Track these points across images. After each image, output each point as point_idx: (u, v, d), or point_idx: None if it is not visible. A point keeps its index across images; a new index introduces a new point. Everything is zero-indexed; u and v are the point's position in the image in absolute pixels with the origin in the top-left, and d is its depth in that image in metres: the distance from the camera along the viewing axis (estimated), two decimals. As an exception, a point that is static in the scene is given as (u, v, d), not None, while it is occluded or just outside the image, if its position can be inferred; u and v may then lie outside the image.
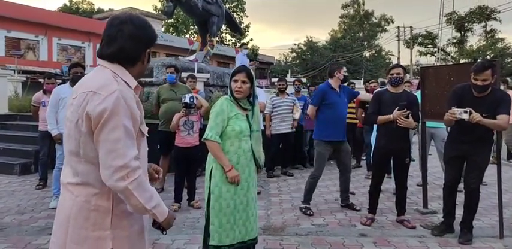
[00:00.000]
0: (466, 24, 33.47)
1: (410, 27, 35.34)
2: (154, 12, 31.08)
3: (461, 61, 29.93)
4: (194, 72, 7.17)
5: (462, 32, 34.30)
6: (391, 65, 4.49)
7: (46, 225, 3.70)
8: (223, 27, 15.91)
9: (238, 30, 12.65)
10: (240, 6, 33.48)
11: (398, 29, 35.52)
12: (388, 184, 5.04)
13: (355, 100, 5.78)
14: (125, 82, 1.42)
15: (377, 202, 3.97)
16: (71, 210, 1.38)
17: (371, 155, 4.50)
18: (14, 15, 19.78)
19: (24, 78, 12.45)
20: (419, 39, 35.53)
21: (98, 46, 1.54)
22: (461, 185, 3.60)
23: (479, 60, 3.50)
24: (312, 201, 4.70)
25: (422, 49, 36.29)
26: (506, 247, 3.32)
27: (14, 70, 13.68)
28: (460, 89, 3.39)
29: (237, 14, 32.37)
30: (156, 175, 1.66)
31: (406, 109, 3.61)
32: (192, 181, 4.43)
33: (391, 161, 3.95)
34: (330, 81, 4.26)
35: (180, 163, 4.32)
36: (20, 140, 6.88)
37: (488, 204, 4.53)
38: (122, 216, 1.40)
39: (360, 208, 4.32)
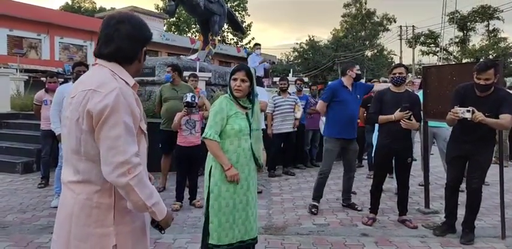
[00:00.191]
0: (469, 23, 33.36)
1: (413, 26, 35.26)
2: (156, 11, 31.12)
3: (464, 61, 29.85)
4: (196, 71, 7.17)
5: (464, 31, 34.20)
6: (393, 65, 4.48)
7: (48, 223, 3.71)
8: (225, 26, 15.92)
9: (240, 29, 12.63)
10: (242, 5, 33.48)
11: (401, 28, 35.42)
12: (390, 183, 5.03)
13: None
14: (124, 80, 1.44)
15: (379, 201, 3.96)
16: (73, 209, 1.39)
17: (372, 154, 4.50)
18: (17, 13, 19.82)
19: (27, 77, 12.46)
20: (422, 39, 35.45)
21: (99, 45, 1.55)
22: (463, 185, 3.59)
23: (481, 60, 3.49)
24: (314, 200, 4.71)
25: (425, 48, 36.22)
26: (508, 247, 3.31)
27: (16, 69, 13.69)
28: (462, 88, 3.38)
29: (239, 13, 32.36)
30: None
31: (408, 111, 3.61)
32: (193, 180, 4.44)
33: (393, 161, 3.95)
34: (342, 79, 4.28)
35: (181, 162, 4.32)
36: (22, 139, 6.90)
37: (490, 204, 4.52)
38: (124, 212, 1.41)
39: (362, 208, 4.32)
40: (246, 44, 34.68)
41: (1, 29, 20.07)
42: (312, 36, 35.31)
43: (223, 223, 2.49)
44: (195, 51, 9.55)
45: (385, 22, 37.96)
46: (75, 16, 25.33)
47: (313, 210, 4.22)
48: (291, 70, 16.86)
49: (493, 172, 4.04)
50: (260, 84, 8.97)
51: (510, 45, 31.18)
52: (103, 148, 1.32)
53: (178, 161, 4.39)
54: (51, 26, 21.75)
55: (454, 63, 28.16)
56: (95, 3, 39.18)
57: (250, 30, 33.41)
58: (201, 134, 2.70)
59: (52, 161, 5.16)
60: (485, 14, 32.05)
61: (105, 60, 1.45)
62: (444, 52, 33.71)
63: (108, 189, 1.39)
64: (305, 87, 8.23)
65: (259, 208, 4.25)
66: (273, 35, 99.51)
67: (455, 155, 3.50)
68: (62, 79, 10.74)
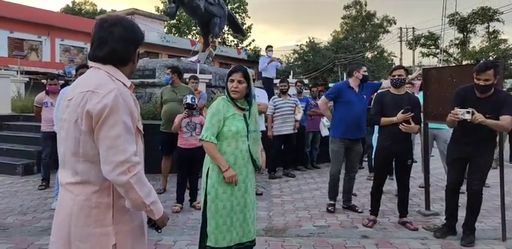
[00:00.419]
0: (469, 25, 33.36)
1: (413, 28, 35.27)
2: (157, 13, 31.17)
3: (464, 63, 29.86)
4: (196, 73, 7.18)
5: (465, 33, 34.20)
6: (393, 66, 4.49)
7: (48, 225, 3.70)
8: (226, 28, 15.94)
9: (240, 31, 12.67)
10: (242, 7, 33.50)
11: (401, 30, 35.45)
12: (390, 185, 5.03)
13: None
14: (120, 81, 1.46)
15: (379, 203, 3.96)
16: (72, 209, 1.40)
17: (373, 156, 4.51)
18: (17, 16, 19.88)
19: (27, 79, 12.51)
20: (422, 40, 35.43)
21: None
22: (463, 187, 3.59)
23: (481, 61, 3.50)
24: (313, 202, 4.72)
25: (425, 50, 36.19)
26: (509, 249, 3.31)
27: (17, 71, 13.75)
28: (463, 90, 3.39)
29: (239, 15, 32.40)
30: None
31: (409, 113, 3.61)
32: (194, 182, 4.44)
33: (393, 162, 3.95)
34: (349, 79, 4.30)
35: (182, 164, 4.32)
36: (22, 141, 6.91)
37: (491, 206, 4.51)
38: (123, 211, 1.43)
39: (362, 210, 4.32)
40: (247, 46, 34.73)
41: (2, 31, 20.13)
42: (312, 38, 35.18)
43: (221, 225, 2.48)
44: (195, 53, 9.58)
45: (385, 24, 37.97)
46: (76, 18, 25.39)
47: (329, 208, 4.33)
48: (291, 72, 16.86)
49: (493, 173, 4.04)
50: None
51: (510, 46, 31.14)
52: (103, 147, 1.34)
53: (178, 163, 4.39)
54: (51, 28, 21.81)
55: (454, 64, 28.22)
56: (96, 5, 39.37)
57: (250, 32, 33.44)
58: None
59: (52, 163, 5.16)
60: (486, 15, 32.06)
61: (100, 62, 1.47)
62: (444, 54, 33.71)
63: (107, 188, 1.40)
64: (305, 89, 8.24)
65: (259, 210, 4.27)
66: (273, 36, 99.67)
67: (456, 157, 3.50)
68: (63, 81, 10.77)
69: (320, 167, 7.01)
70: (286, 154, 6.29)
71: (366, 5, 37.64)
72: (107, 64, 1.47)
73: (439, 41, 33.87)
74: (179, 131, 4.31)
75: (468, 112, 3.07)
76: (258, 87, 5.96)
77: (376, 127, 4.43)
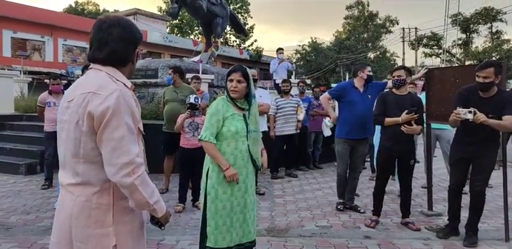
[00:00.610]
0: (472, 25, 33.28)
1: (415, 28, 35.23)
2: (159, 13, 31.20)
3: (467, 63, 29.78)
4: (199, 73, 7.18)
5: (467, 33, 34.11)
6: (393, 67, 4.49)
7: (51, 225, 3.68)
8: (228, 28, 15.95)
9: (242, 31, 12.66)
10: (244, 7, 33.53)
11: (403, 30, 35.40)
12: (393, 185, 5.02)
13: None
14: (121, 82, 1.46)
15: (381, 203, 3.96)
16: (72, 211, 1.40)
17: (375, 156, 4.51)
18: (20, 16, 19.94)
19: (30, 79, 12.54)
20: (424, 41, 35.38)
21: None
22: (466, 188, 3.58)
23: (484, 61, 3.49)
24: (316, 202, 4.72)
25: (427, 50, 36.14)
26: (512, 250, 3.30)
27: (20, 71, 13.78)
28: (466, 90, 3.39)
29: (242, 15, 32.43)
30: None
31: (414, 113, 3.60)
32: (196, 182, 4.43)
33: (396, 163, 3.94)
34: (354, 80, 4.32)
35: (184, 164, 4.33)
36: (25, 141, 6.93)
37: (494, 206, 4.50)
38: (123, 212, 1.43)
39: (365, 210, 4.31)
40: (249, 46, 34.73)
41: (5, 31, 20.20)
42: (315, 38, 35.21)
43: (220, 226, 2.48)
44: (197, 53, 9.58)
45: (387, 24, 37.91)
46: (79, 18, 25.45)
47: (338, 207, 4.38)
48: (293, 72, 16.84)
49: (496, 174, 4.03)
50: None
51: (513, 47, 31.09)
52: (106, 149, 1.35)
53: (181, 163, 4.40)
54: (54, 28, 21.86)
55: (457, 65, 28.14)
56: (98, 5, 39.40)
57: (252, 32, 33.45)
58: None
59: (55, 163, 5.13)
60: (489, 16, 31.98)
61: (100, 64, 1.47)
62: (447, 54, 33.63)
63: (107, 189, 1.41)
64: (308, 89, 8.23)
65: (261, 210, 4.28)
66: (275, 36, 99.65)
67: (459, 157, 3.50)
68: (66, 81, 10.80)
69: (322, 168, 7.01)
70: (288, 154, 6.28)
71: (368, 5, 37.61)
72: (107, 66, 1.47)
73: (441, 41, 33.80)
74: (181, 131, 4.31)
75: (470, 112, 3.07)
76: (260, 87, 5.96)
77: (378, 128, 4.42)
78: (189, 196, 4.44)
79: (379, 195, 3.94)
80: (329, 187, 5.48)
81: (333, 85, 7.11)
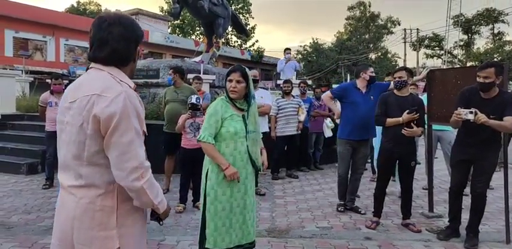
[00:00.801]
0: (473, 26, 33.28)
1: (417, 29, 35.26)
2: (161, 13, 31.24)
3: (468, 64, 29.79)
4: (200, 73, 7.19)
5: (469, 35, 34.11)
6: (395, 68, 4.48)
7: (52, 224, 3.71)
8: (229, 28, 15.96)
9: (244, 32, 12.67)
10: (245, 7, 33.52)
11: (405, 31, 35.42)
12: (393, 187, 5.01)
13: None
14: (125, 83, 1.43)
15: (382, 205, 3.95)
16: (75, 212, 1.38)
17: (375, 158, 4.51)
18: (22, 16, 19.98)
19: (32, 79, 12.56)
20: (426, 42, 35.41)
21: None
22: (467, 190, 3.58)
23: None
24: (316, 203, 4.71)
25: (429, 51, 36.16)
26: (513, 252, 3.29)
27: (22, 71, 13.80)
28: (467, 91, 3.39)
29: (243, 16, 32.40)
30: None
31: (415, 113, 3.60)
32: (197, 182, 4.43)
33: (397, 164, 3.94)
34: (356, 80, 4.33)
35: (185, 164, 4.33)
36: (27, 140, 6.94)
37: (495, 208, 4.49)
38: (126, 214, 1.43)
39: (365, 211, 4.31)
40: (250, 47, 34.73)
41: (7, 30, 20.24)
42: (316, 39, 35.23)
43: (220, 227, 2.47)
44: (199, 53, 9.59)
45: (389, 25, 37.92)
46: (81, 18, 25.47)
47: (339, 208, 4.37)
48: (295, 72, 16.82)
49: (497, 176, 4.03)
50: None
51: (515, 48, 31.04)
52: (114, 153, 1.33)
53: (182, 163, 4.40)
54: (56, 28, 21.90)
55: (458, 66, 28.11)
56: (100, 5, 39.43)
57: (254, 33, 33.45)
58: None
59: (56, 163, 5.17)
60: (490, 17, 31.97)
61: (101, 63, 1.44)
62: (449, 55, 33.61)
63: (111, 192, 1.40)
64: (309, 90, 8.24)
65: (262, 211, 4.28)
66: (277, 37, 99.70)
67: (460, 159, 3.49)
68: (67, 81, 10.79)
69: (323, 168, 7.00)
70: (289, 154, 6.28)
71: (370, 6, 37.62)
72: (109, 65, 1.44)
73: (443, 42, 33.80)
74: (183, 131, 4.31)
75: (471, 113, 3.06)
76: (261, 88, 5.97)
77: (378, 129, 4.42)
78: (190, 196, 4.44)
79: (379, 196, 3.94)
80: (330, 188, 5.48)
81: (334, 86, 7.12)
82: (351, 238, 3.55)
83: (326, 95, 4.60)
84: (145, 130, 1.52)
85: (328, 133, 6.71)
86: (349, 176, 4.44)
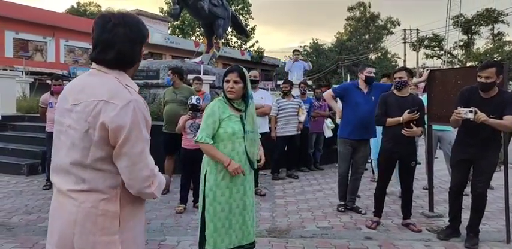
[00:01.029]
0: (473, 26, 33.32)
1: (417, 29, 35.28)
2: (161, 14, 31.26)
3: (468, 64, 29.81)
4: (200, 74, 7.20)
5: (469, 35, 34.14)
6: (395, 68, 4.49)
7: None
8: (229, 29, 15.98)
9: (244, 33, 12.69)
10: (245, 8, 33.55)
11: (405, 31, 35.44)
12: (394, 187, 5.02)
13: None
14: (131, 88, 1.39)
15: (382, 205, 3.96)
16: (76, 217, 1.34)
17: (373, 158, 4.52)
18: (22, 17, 20.01)
19: (32, 79, 12.57)
20: (426, 42, 35.45)
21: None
22: (467, 189, 3.58)
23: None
24: (316, 203, 4.72)
25: (429, 52, 36.20)
26: (513, 252, 3.30)
27: (22, 72, 13.84)
28: (467, 91, 3.40)
29: (243, 16, 32.43)
30: None
31: (416, 113, 3.61)
32: (197, 183, 4.41)
33: (397, 164, 3.94)
34: (358, 81, 4.37)
35: (186, 165, 4.33)
36: (27, 141, 6.95)
37: (495, 208, 4.50)
38: (128, 218, 1.41)
39: (365, 211, 4.31)
40: (250, 47, 34.75)
41: (7, 31, 20.27)
42: (316, 39, 35.26)
43: (219, 228, 2.47)
44: (199, 54, 9.60)
45: (389, 25, 37.97)
46: (81, 19, 25.49)
47: (339, 208, 4.38)
48: (302, 72, 16.83)
49: (497, 175, 4.02)
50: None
51: (515, 48, 31.05)
52: (125, 163, 1.33)
53: (182, 163, 4.40)
54: (56, 29, 21.93)
55: (458, 66, 28.12)
56: (100, 6, 39.43)
57: (254, 34, 33.48)
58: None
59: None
60: (490, 17, 32.00)
61: (105, 66, 1.39)
62: (448, 55, 33.63)
63: (114, 196, 1.37)
64: (309, 90, 8.25)
65: (262, 211, 4.28)
66: (277, 38, 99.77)
67: (460, 158, 3.50)
68: (67, 82, 10.80)
69: (323, 169, 7.00)
70: (289, 155, 6.29)
71: (369, 7, 37.65)
72: (113, 69, 1.39)
73: (443, 43, 33.84)
74: (183, 132, 4.32)
75: (471, 111, 3.07)
76: (261, 88, 5.97)
77: (378, 129, 4.42)
78: (190, 196, 4.44)
79: (380, 196, 3.94)
80: (330, 188, 5.48)
81: (334, 86, 7.14)
82: (352, 238, 3.55)
83: (327, 93, 4.63)
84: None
85: (328, 134, 6.72)
86: (349, 176, 4.44)
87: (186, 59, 9.32)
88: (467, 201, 3.59)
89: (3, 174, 6.12)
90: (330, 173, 6.59)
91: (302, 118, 6.08)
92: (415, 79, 4.53)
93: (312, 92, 8.03)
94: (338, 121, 5.38)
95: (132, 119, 1.30)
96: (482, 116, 3.05)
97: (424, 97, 4.42)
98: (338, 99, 4.75)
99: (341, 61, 32.10)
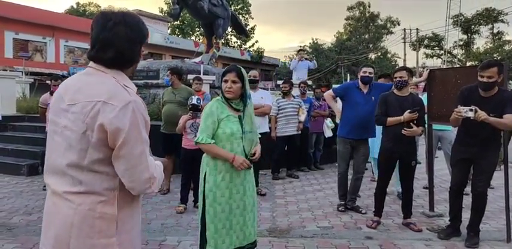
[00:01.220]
0: (473, 26, 33.28)
1: (417, 29, 35.27)
2: (161, 14, 31.25)
3: (468, 64, 29.79)
4: (200, 74, 7.20)
5: (469, 34, 34.11)
6: (395, 68, 4.49)
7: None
8: (229, 29, 15.97)
9: (243, 33, 12.70)
10: (245, 8, 33.55)
11: (405, 31, 35.43)
12: (393, 186, 5.02)
13: None
14: (130, 88, 1.37)
15: (383, 204, 3.96)
16: (73, 220, 1.32)
17: (375, 157, 4.52)
18: (22, 17, 20.01)
19: (32, 80, 12.58)
20: (426, 41, 35.40)
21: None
22: (468, 189, 3.58)
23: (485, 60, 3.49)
24: (317, 203, 4.72)
25: (429, 51, 36.14)
26: (514, 251, 3.30)
27: (22, 72, 13.84)
28: (466, 90, 3.40)
29: (243, 16, 32.44)
30: None
31: (416, 113, 3.61)
32: (197, 183, 4.42)
33: (397, 163, 3.94)
34: (359, 80, 4.38)
35: (186, 165, 4.33)
36: (27, 141, 6.95)
37: (495, 207, 4.50)
38: (125, 221, 1.39)
39: (366, 211, 4.31)
40: (250, 47, 34.75)
41: (7, 32, 20.26)
42: (316, 39, 35.26)
43: (220, 229, 2.47)
44: (199, 54, 9.60)
45: (388, 25, 37.94)
46: (80, 19, 25.48)
47: (339, 208, 4.38)
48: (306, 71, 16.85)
49: (497, 175, 4.02)
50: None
51: (515, 48, 31.04)
52: (125, 165, 1.31)
53: (183, 163, 4.40)
54: (56, 29, 21.93)
55: (458, 66, 28.14)
56: (100, 7, 39.43)
57: (253, 33, 33.47)
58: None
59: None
60: (490, 16, 31.97)
61: (103, 65, 1.37)
62: (448, 55, 33.63)
63: (112, 199, 1.36)
64: (309, 90, 8.25)
65: (263, 211, 4.28)
66: (277, 37, 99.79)
67: (460, 158, 3.50)
68: (67, 82, 10.79)
69: (323, 168, 7.00)
70: (289, 155, 6.29)
71: (369, 6, 37.63)
72: (112, 68, 1.37)
73: (443, 42, 33.84)
74: (183, 132, 4.32)
75: (471, 110, 3.07)
76: (261, 88, 5.97)
77: (378, 129, 4.42)
78: (191, 196, 4.44)
79: (380, 196, 3.94)
80: (330, 188, 5.48)
81: (335, 86, 7.14)
82: (352, 238, 3.55)
83: (328, 93, 4.64)
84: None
85: (328, 133, 6.72)
86: (349, 175, 4.44)
87: (185, 59, 9.32)
88: (467, 200, 3.59)
89: (3, 174, 6.12)
90: (330, 173, 6.59)
91: (302, 118, 6.08)
92: (415, 79, 4.53)
93: (312, 92, 8.03)
94: (338, 121, 5.39)
95: (131, 120, 1.29)
96: (482, 114, 3.05)
97: (424, 97, 4.42)
98: (338, 99, 4.75)
99: (341, 61, 32.10)
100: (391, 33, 37.70)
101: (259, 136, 2.79)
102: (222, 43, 11.38)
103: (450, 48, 34.45)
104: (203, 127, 2.49)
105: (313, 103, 6.86)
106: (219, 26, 9.10)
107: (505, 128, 3.35)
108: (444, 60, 32.17)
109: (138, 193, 1.38)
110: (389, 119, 3.74)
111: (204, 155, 2.60)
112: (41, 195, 4.96)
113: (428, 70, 4.46)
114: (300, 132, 6.12)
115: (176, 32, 33.15)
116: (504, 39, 32.87)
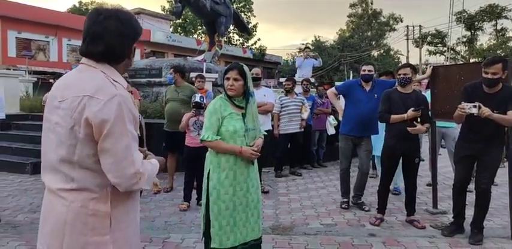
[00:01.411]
0: (476, 22, 33.07)
1: (420, 26, 35.03)
2: (163, 12, 31.26)
3: (471, 60, 29.62)
4: (202, 72, 7.20)
5: (472, 31, 33.89)
6: (399, 65, 4.48)
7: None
8: (231, 27, 15.96)
9: (246, 30, 12.69)
10: (247, 6, 33.47)
11: (407, 28, 35.22)
12: (395, 183, 5.01)
13: None
14: (118, 83, 1.36)
15: (386, 201, 3.96)
16: (66, 217, 1.31)
17: (377, 154, 4.51)
18: (25, 16, 20.03)
19: (35, 79, 12.63)
20: (429, 38, 35.20)
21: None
22: (471, 186, 3.57)
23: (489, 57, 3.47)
24: (320, 201, 4.72)
25: (432, 48, 35.96)
26: (518, 248, 3.29)
27: (25, 71, 13.89)
28: (470, 87, 3.38)
29: (245, 14, 32.36)
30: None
31: (420, 111, 3.59)
32: (201, 181, 4.43)
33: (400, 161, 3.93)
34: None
35: (189, 163, 4.35)
36: (31, 140, 6.97)
37: (499, 204, 4.48)
38: (119, 218, 1.38)
39: (369, 208, 4.31)
40: (252, 45, 34.70)
41: (10, 31, 20.30)
42: (318, 37, 35.09)
43: (224, 226, 2.48)
44: (201, 52, 9.61)
45: (391, 22, 37.72)
46: (83, 18, 25.08)
47: (343, 205, 4.39)
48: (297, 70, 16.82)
49: (501, 172, 4.01)
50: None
51: (518, 44, 30.84)
52: (110, 160, 1.28)
53: (186, 161, 4.41)
54: (59, 28, 21.94)
55: (461, 62, 27.98)
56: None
57: (256, 31, 33.40)
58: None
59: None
60: (493, 13, 31.75)
61: (93, 60, 1.36)
62: (451, 52, 33.47)
63: (105, 196, 1.34)
64: (311, 88, 8.24)
65: (266, 208, 4.29)
66: (279, 35, 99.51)
67: (464, 155, 3.48)
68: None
69: (326, 166, 7.00)
70: (292, 152, 6.29)
71: (372, 3, 37.43)
72: (102, 62, 1.36)
73: (446, 39, 33.66)
74: (187, 130, 4.33)
75: (475, 106, 3.06)
76: (264, 86, 5.97)
77: (381, 126, 4.41)
78: (194, 194, 4.46)
79: (383, 193, 3.94)
80: (333, 185, 5.48)
81: (337, 83, 7.13)
82: (355, 235, 3.55)
83: (331, 91, 4.64)
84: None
85: (331, 131, 6.71)
86: (352, 172, 4.44)
87: (188, 57, 9.33)
88: (471, 197, 3.58)
89: (7, 173, 6.16)
90: (333, 171, 6.59)
91: (305, 115, 6.07)
92: (418, 76, 4.51)
93: (315, 89, 8.02)
94: (341, 118, 5.38)
95: (116, 113, 1.26)
96: (486, 111, 3.04)
97: (427, 94, 4.40)
98: (341, 97, 4.75)
99: (343, 59, 31.99)
100: (394, 30, 37.49)
101: (265, 133, 2.79)
102: (224, 41, 11.37)
103: (453, 44, 34.28)
104: (207, 125, 2.50)
105: (315, 100, 6.85)
106: (221, 24, 9.09)
107: (509, 125, 3.34)
108: (447, 57, 32.00)
109: (125, 189, 1.33)
110: (393, 116, 3.73)
111: (208, 153, 2.60)
112: (45, 193, 4.99)
113: (431, 67, 4.44)
114: (302, 130, 6.12)
115: (178, 30, 33.14)
116: (508, 35, 32.65)
